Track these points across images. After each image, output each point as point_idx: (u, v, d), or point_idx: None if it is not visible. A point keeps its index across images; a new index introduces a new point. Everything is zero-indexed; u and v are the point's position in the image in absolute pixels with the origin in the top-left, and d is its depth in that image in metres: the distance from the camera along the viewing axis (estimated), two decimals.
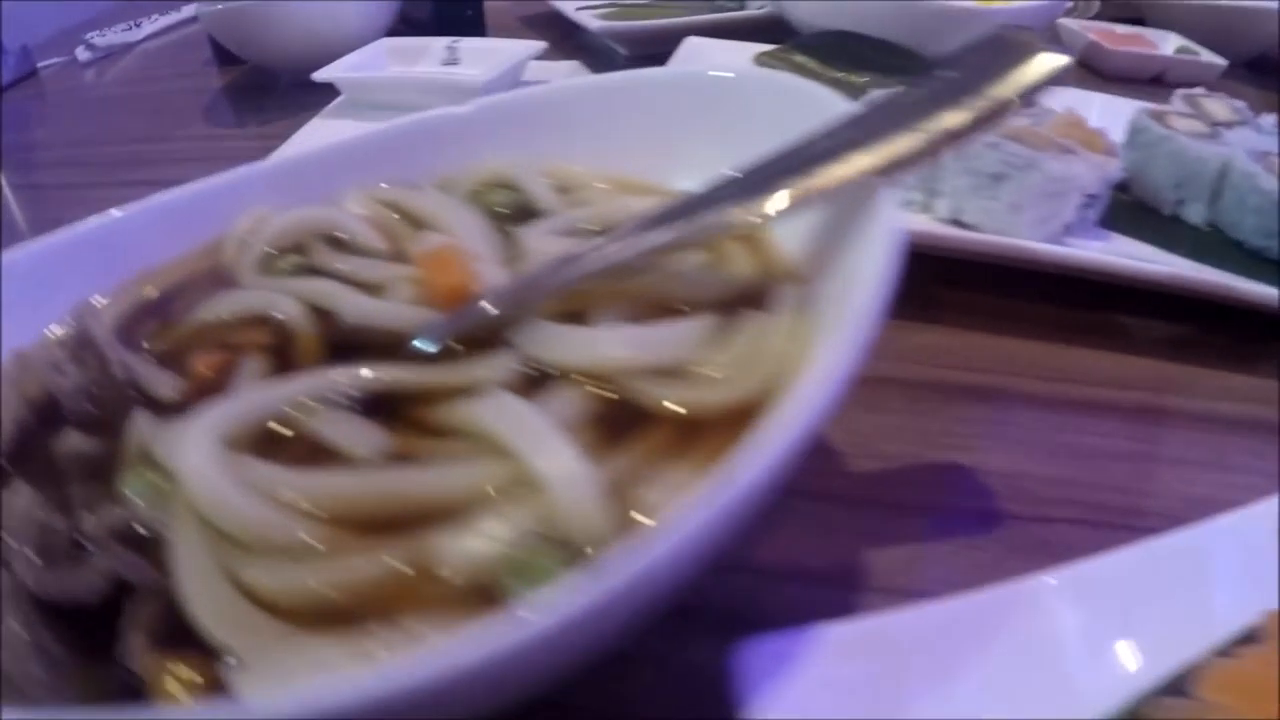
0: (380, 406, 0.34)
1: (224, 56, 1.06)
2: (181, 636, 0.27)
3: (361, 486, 0.30)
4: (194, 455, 0.30)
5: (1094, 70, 1.12)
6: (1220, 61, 1.08)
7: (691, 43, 0.88)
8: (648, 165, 0.47)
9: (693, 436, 0.33)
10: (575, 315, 0.37)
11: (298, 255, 0.44)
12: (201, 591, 0.28)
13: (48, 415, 0.38)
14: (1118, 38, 1.15)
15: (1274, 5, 1.11)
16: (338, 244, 0.45)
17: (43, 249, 0.44)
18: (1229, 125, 0.74)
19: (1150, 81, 1.10)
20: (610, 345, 0.35)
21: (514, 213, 0.46)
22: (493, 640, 0.21)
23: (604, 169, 0.48)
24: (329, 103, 0.89)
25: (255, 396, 0.33)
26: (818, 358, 0.29)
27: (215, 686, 0.26)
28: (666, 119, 0.47)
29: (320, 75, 0.86)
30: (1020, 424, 0.48)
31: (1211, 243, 0.65)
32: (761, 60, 0.89)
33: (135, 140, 0.93)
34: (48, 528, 0.32)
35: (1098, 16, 1.30)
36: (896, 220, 0.32)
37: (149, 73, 1.12)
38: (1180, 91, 0.77)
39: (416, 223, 0.45)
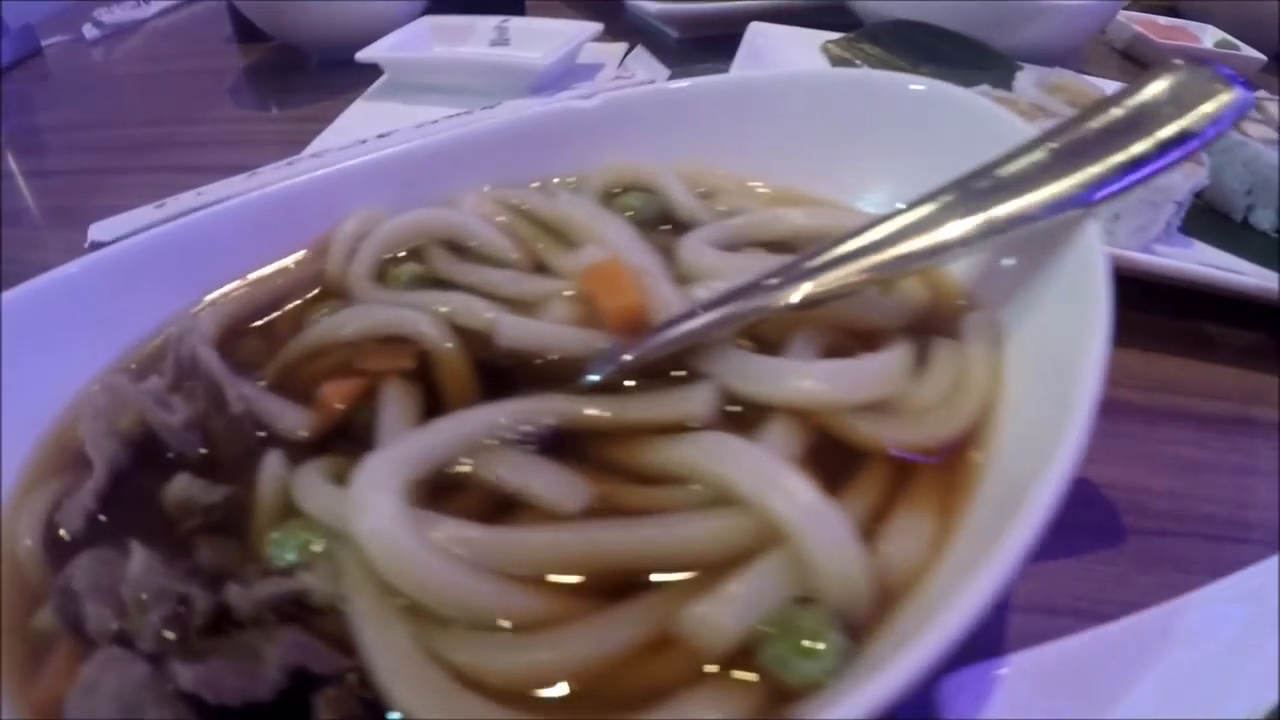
0: (560, 444, 0.29)
1: (245, 34, 0.98)
2: None
3: (581, 547, 0.25)
4: (376, 516, 0.24)
5: (1138, 62, 1.09)
6: (1260, 56, 1.05)
7: (757, 28, 0.82)
8: (795, 172, 0.42)
9: (907, 475, 0.29)
10: (762, 339, 0.32)
11: (415, 263, 0.38)
12: (409, 681, 0.23)
13: (148, 457, 0.32)
14: (1161, 29, 1.12)
15: None
16: (459, 251, 0.39)
17: (117, 254, 0.38)
18: None
19: None
20: (819, 381, 0.30)
21: (648, 219, 0.41)
22: None
23: (745, 174, 0.42)
24: (364, 84, 0.83)
25: (428, 439, 0.28)
26: (1064, 417, 0.25)
27: None
28: (818, 124, 0.42)
29: (364, 55, 0.79)
30: (1130, 435, 0.47)
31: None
32: (830, 49, 0.83)
33: (157, 122, 0.86)
34: (181, 599, 0.26)
35: (1130, 6, 1.26)
36: (1101, 254, 0.29)
37: (162, 50, 1.04)
38: None
39: (550, 229, 0.39)
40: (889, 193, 0.39)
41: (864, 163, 0.40)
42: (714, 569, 0.25)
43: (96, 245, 0.66)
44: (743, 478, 0.26)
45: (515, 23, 0.86)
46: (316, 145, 0.74)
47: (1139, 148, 0.30)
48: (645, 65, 0.84)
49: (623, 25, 0.98)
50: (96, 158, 0.81)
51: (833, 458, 0.29)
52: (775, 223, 0.39)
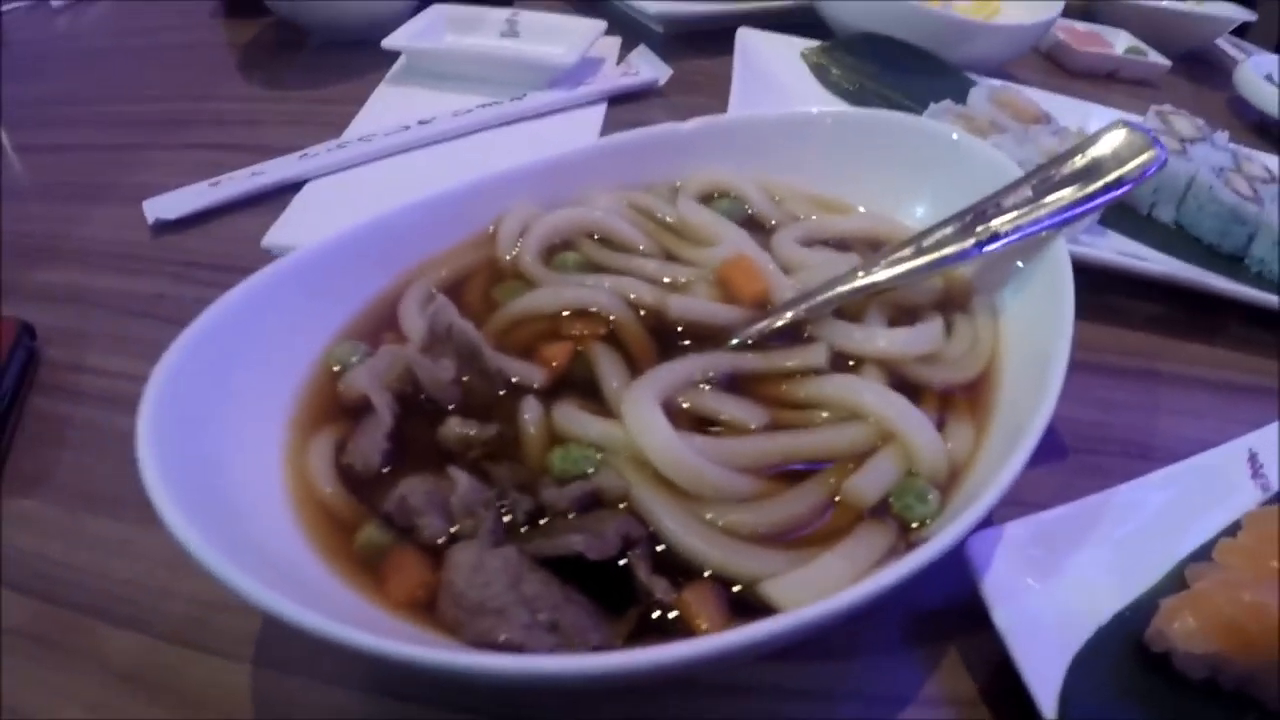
0: (730, 385, 0.45)
1: (234, 7, 1.05)
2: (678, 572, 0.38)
3: (772, 449, 0.42)
4: (662, 436, 0.40)
5: (1059, 65, 1.29)
6: (1165, 62, 1.27)
7: (745, 34, 0.98)
8: (836, 189, 0.59)
9: (948, 402, 0.47)
10: (844, 313, 0.50)
11: (569, 251, 0.53)
12: (698, 536, 0.38)
13: (408, 406, 0.44)
14: (1080, 36, 1.33)
15: (1209, 10, 1.33)
16: (603, 242, 0.53)
17: (337, 239, 0.48)
18: (1193, 141, 0.91)
19: (1105, 77, 1.29)
20: (895, 342, 0.48)
21: (735, 219, 0.57)
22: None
23: (802, 185, 0.60)
24: (375, 66, 0.93)
25: (664, 381, 0.44)
26: (1048, 362, 0.43)
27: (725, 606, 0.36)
28: (863, 152, 0.59)
29: (391, 43, 0.90)
30: (1066, 382, 0.64)
31: (1177, 239, 0.83)
32: (808, 56, 1.00)
33: (165, 99, 0.91)
34: (503, 505, 0.39)
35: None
36: (1067, 259, 0.48)
37: (140, 23, 1.08)
38: (1154, 109, 0.93)
39: (667, 226, 0.55)
40: (915, 208, 0.57)
41: (897, 184, 0.58)
42: (852, 459, 0.42)
43: (161, 223, 0.73)
44: (870, 400, 0.44)
45: (523, 16, 0.98)
46: (357, 128, 0.84)
47: (1092, 188, 0.48)
48: (649, 63, 0.98)
49: (601, 16, 1.06)
50: (114, 133, 0.85)
51: (903, 392, 0.46)
52: (834, 226, 0.57)
